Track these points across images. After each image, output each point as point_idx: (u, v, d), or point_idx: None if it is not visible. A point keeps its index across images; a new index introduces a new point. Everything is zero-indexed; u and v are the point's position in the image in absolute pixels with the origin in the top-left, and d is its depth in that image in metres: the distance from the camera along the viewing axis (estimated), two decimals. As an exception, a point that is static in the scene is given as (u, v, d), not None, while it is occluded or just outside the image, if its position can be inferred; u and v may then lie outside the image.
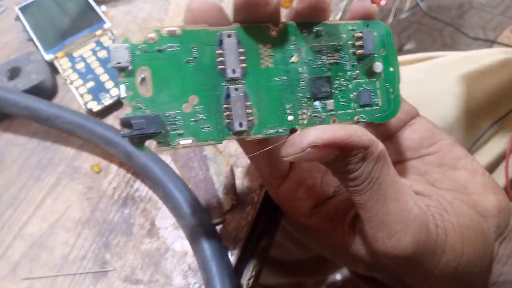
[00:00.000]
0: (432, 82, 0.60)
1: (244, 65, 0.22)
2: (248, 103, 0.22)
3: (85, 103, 0.40)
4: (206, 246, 0.30)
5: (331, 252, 0.29)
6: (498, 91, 0.58)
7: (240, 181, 0.36)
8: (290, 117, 0.23)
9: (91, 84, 0.41)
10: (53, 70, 0.43)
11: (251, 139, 0.22)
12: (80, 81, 0.41)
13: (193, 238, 0.31)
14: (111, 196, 0.36)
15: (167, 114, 0.21)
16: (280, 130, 0.23)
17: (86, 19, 0.44)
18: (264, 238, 0.35)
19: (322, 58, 0.24)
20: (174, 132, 0.21)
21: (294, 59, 0.23)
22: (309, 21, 0.23)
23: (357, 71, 0.24)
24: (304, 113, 0.23)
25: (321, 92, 0.23)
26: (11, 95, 0.38)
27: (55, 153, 0.39)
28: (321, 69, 0.24)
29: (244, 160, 0.37)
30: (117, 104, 0.40)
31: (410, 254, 0.23)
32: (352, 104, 0.24)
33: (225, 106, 0.22)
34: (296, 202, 0.29)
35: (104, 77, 0.41)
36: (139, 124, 0.20)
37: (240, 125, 0.22)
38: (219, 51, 0.22)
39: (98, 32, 0.44)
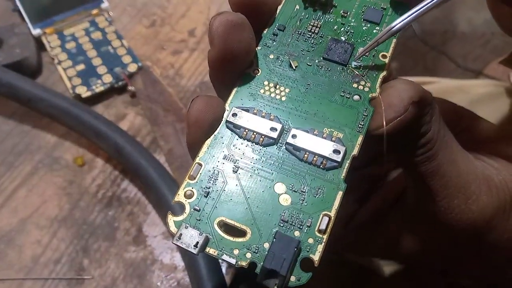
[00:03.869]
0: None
1: (273, 123, 0.19)
2: (316, 133, 0.19)
3: (73, 87, 0.35)
4: (202, 264, 0.26)
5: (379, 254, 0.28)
6: None
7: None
8: (356, 97, 0.20)
9: (81, 67, 0.37)
10: (40, 47, 0.38)
11: (357, 151, 0.18)
12: (69, 62, 0.37)
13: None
14: (94, 194, 0.32)
15: (281, 225, 0.17)
16: (365, 113, 0.19)
17: (82, -4, 0.40)
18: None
19: (309, 37, 0.21)
20: (305, 225, 0.17)
21: (293, 65, 0.20)
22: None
23: (342, 10, 0.22)
24: (357, 81, 0.20)
25: (344, 53, 0.20)
26: (-10, 68, 0.33)
27: (33, 139, 0.34)
28: (319, 43, 0.21)
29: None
30: (109, 92, 0.36)
31: (488, 217, 0.21)
32: (372, 31, 0.21)
33: (304, 158, 0.18)
34: None
35: (96, 61, 0.37)
36: (275, 262, 0.16)
37: (337, 152, 0.18)
38: (244, 138, 0.19)
39: (94, 11, 0.39)
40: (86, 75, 0.36)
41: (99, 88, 0.36)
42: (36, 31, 0.38)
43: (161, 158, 0.33)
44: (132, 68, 0.37)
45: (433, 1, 0.19)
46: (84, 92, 0.35)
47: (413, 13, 0.19)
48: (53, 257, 0.29)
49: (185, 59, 0.39)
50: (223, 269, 0.28)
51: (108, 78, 0.36)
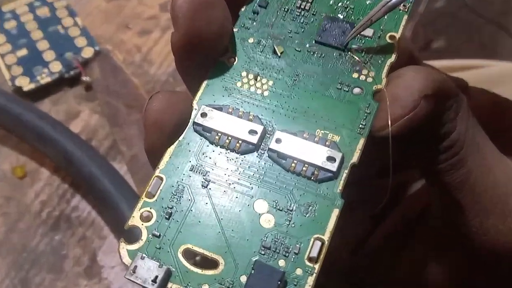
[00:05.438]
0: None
1: (253, 124, 0.19)
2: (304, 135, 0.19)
3: (13, 78, 0.37)
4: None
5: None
6: None
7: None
8: (356, 90, 0.20)
9: (23, 52, 0.38)
10: (-29, 27, 0.39)
11: (357, 158, 0.19)
12: (9, 46, 0.38)
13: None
14: (38, 214, 0.33)
15: (262, 252, 0.17)
16: (367, 110, 0.19)
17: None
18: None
19: (298, 15, 0.21)
20: (291, 252, 0.17)
21: (278, 51, 0.21)
22: None
23: None
24: (358, 70, 0.20)
25: (341, 35, 0.21)
26: None
27: (-38, 144, 0.35)
28: (311, 23, 0.21)
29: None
30: (58, 84, 0.37)
31: None
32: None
33: (291, 167, 0.19)
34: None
35: (42, 45, 0.38)
36: None
37: (332, 159, 0.18)
38: (216, 144, 0.19)
39: (40, -18, 0.40)
40: (29, 63, 0.37)
41: (45, 79, 0.37)
42: (-34, 7, 0.39)
43: (122, 168, 0.34)
44: (88, 53, 0.38)
45: None
46: (26, 84, 0.36)
47: None
48: (-15, 294, 0.30)
49: (155, 41, 0.39)
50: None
51: (56, 67, 0.37)
